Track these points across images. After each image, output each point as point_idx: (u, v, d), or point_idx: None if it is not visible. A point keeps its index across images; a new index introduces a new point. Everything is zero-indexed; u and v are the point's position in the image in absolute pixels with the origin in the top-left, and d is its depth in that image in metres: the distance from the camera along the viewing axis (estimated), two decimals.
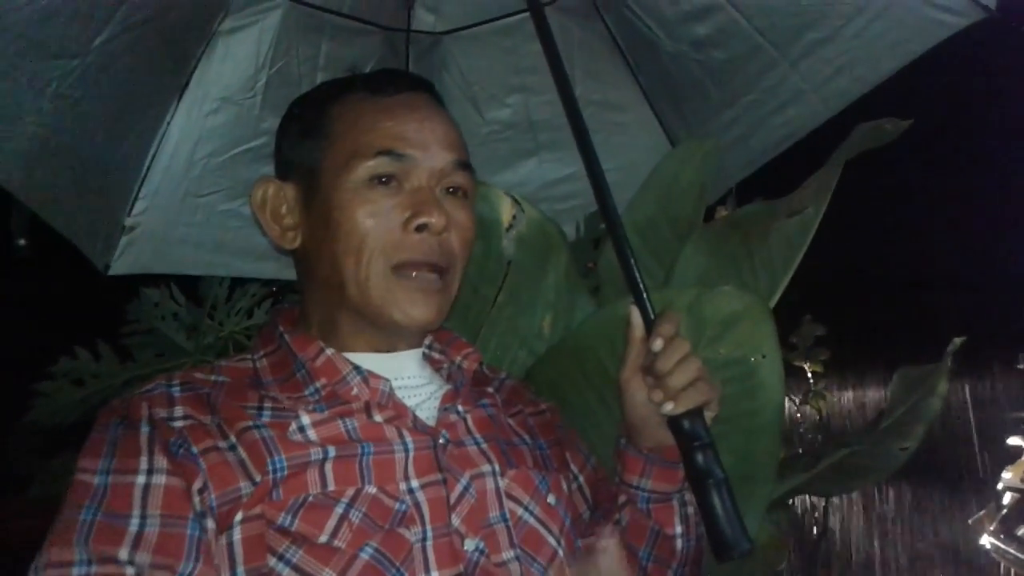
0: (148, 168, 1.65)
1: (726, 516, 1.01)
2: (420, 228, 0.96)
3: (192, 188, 1.72)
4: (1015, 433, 5.71)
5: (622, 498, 1.14)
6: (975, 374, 8.58)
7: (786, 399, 3.28)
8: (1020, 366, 6.97)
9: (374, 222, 0.95)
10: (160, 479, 0.85)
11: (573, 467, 1.14)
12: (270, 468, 0.87)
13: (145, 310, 2.33)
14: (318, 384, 0.96)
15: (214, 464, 0.86)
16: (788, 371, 3.08)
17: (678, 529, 1.13)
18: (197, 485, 0.85)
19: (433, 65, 1.88)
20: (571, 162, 1.98)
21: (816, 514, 3.23)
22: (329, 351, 0.98)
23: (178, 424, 0.88)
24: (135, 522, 0.82)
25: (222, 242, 1.78)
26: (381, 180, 0.95)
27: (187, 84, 1.63)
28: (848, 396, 7.53)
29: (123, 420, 0.89)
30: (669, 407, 1.02)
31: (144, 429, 0.87)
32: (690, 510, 1.13)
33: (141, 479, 0.84)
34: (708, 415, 1.06)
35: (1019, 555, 5.14)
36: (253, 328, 2.37)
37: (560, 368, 1.48)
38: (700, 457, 1.02)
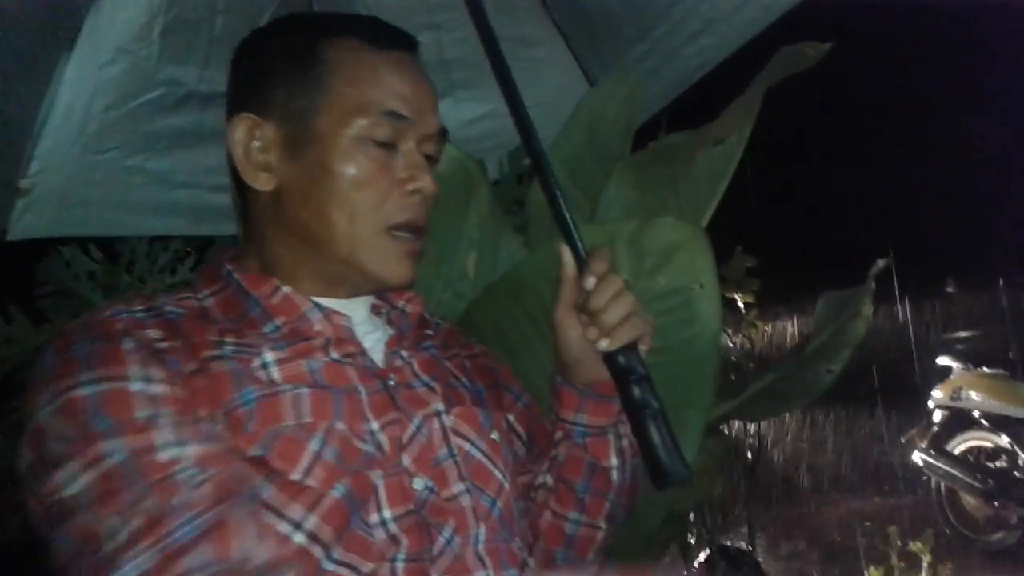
0: (40, 127, 1.56)
1: (663, 446, 1.01)
2: (415, 192, 0.95)
3: (91, 145, 1.64)
4: (944, 354, 5.92)
5: (558, 434, 1.14)
6: (906, 298, 8.86)
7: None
8: (949, 289, 7.21)
9: (372, 181, 0.93)
10: (159, 389, 0.81)
11: (506, 406, 1.14)
12: (240, 401, 0.84)
13: (56, 270, 2.24)
14: (277, 322, 0.93)
15: (196, 387, 0.83)
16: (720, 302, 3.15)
17: (614, 461, 1.13)
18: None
19: (339, 6, 1.80)
20: (488, 100, 1.94)
21: (750, 440, 3.31)
22: (286, 288, 0.95)
23: (160, 345, 0.84)
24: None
25: (127, 200, 1.72)
26: (381, 140, 0.93)
27: (77, 36, 1.54)
28: (780, 326, 7.71)
29: (93, 338, 0.83)
30: (604, 343, 1.02)
31: (126, 343, 0.82)
32: (624, 442, 1.14)
33: (137, 386, 0.80)
34: (642, 348, 1.06)
35: (949, 469, 5.37)
36: (180, 285, 2.30)
37: (501, 306, 1.46)
38: (636, 390, 1.03)
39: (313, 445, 0.85)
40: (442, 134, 1.01)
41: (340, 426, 0.88)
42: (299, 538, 0.82)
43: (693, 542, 2.97)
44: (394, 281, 0.97)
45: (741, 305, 3.12)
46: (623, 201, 1.65)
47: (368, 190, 0.93)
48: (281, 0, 1.73)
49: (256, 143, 0.96)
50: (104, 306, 0.89)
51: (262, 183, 0.96)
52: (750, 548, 3.34)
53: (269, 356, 0.89)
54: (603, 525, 1.15)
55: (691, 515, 2.88)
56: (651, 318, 1.07)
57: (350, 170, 0.93)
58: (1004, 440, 5.17)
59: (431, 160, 1.00)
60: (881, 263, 1.71)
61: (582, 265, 1.05)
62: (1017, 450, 5.07)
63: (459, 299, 1.65)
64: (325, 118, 0.93)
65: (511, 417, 1.14)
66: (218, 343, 0.89)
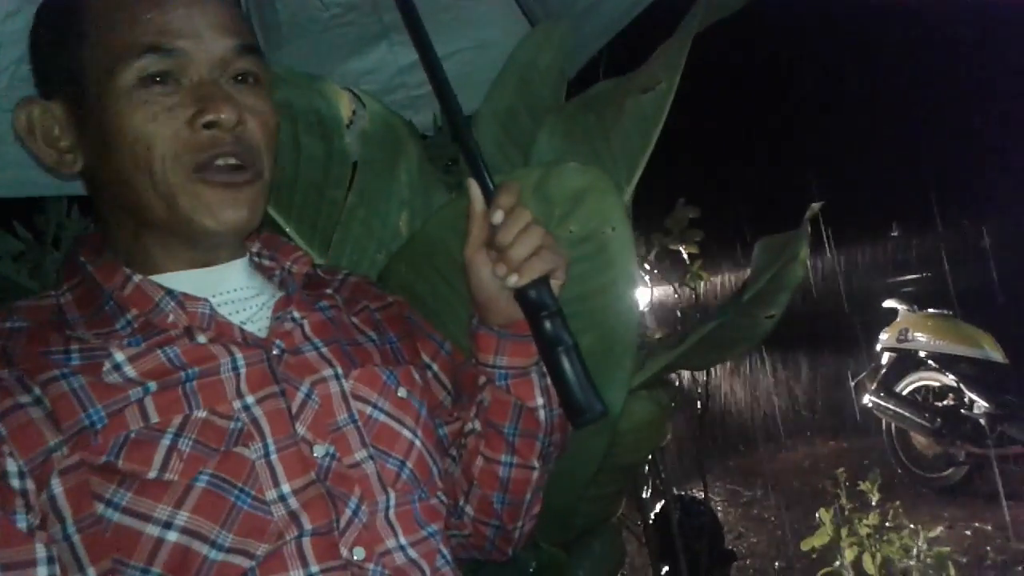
0: None
1: (577, 381, 1.01)
2: (209, 125, 0.87)
3: (2, 101, 1.54)
4: (890, 297, 6.02)
5: (481, 379, 1.13)
6: (852, 243, 8.99)
7: (666, 284, 3.34)
8: (894, 233, 7.33)
9: (155, 126, 0.85)
10: None
11: (425, 356, 1.12)
12: (86, 422, 0.80)
13: None
14: (129, 316, 0.88)
15: (16, 426, 0.78)
16: (665, 255, 3.14)
17: (539, 401, 1.12)
18: (5, 450, 0.77)
19: None
20: None
21: (699, 389, 3.33)
22: (137, 277, 0.90)
23: None
24: None
25: None
26: (154, 80, 0.85)
27: None
28: (727, 277, 7.78)
29: None
30: (514, 279, 1.01)
31: None
32: (549, 380, 1.12)
33: None
34: (555, 283, 1.04)
35: (898, 410, 5.50)
36: None
37: (412, 266, 1.42)
38: (548, 325, 1.02)
39: (166, 440, 0.81)
40: (245, 50, 0.91)
41: (199, 414, 0.84)
42: (172, 536, 0.79)
43: (648, 495, 2.99)
44: (221, 227, 0.89)
45: (685, 256, 3.12)
46: (554, 152, 1.61)
47: (154, 139, 0.85)
48: None
49: (52, 126, 0.90)
50: None
51: (68, 165, 0.91)
52: (704, 496, 3.37)
53: (120, 356, 0.84)
54: (536, 465, 1.14)
55: (645, 468, 2.90)
56: (565, 251, 1.05)
57: (128, 123, 0.85)
58: (950, 379, 5.30)
59: (247, 79, 0.92)
60: (816, 206, 1.70)
61: (491, 201, 1.03)
62: (963, 388, 5.19)
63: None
64: (93, 77, 0.86)
65: (435, 366, 1.12)
66: (63, 354, 0.83)
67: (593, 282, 1.37)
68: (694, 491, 3.94)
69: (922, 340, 5.51)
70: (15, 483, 0.77)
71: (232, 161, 0.89)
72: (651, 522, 2.88)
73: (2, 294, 2.23)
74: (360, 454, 0.92)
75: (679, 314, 3.33)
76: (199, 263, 0.94)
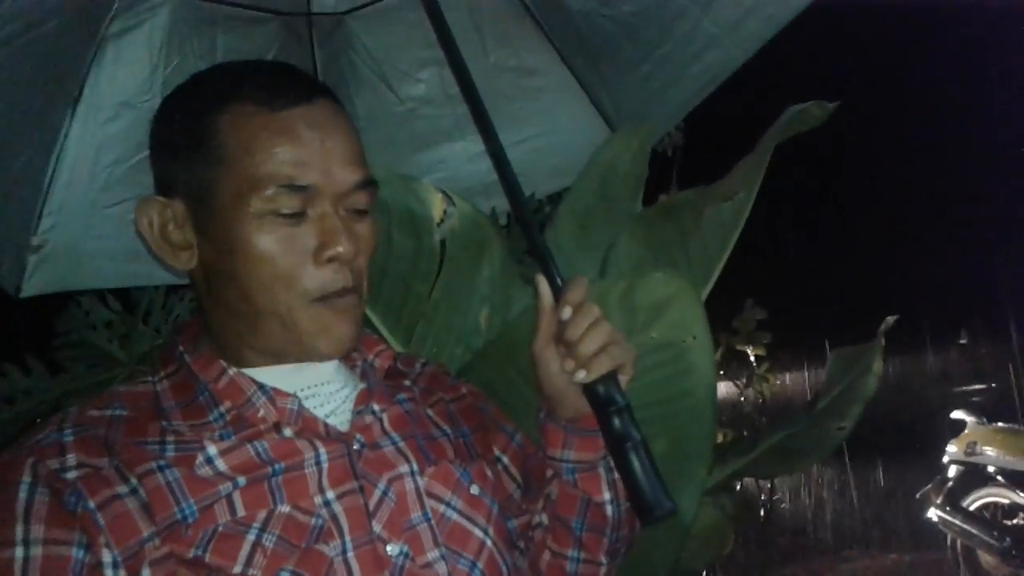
0: (49, 184, 1.58)
1: (646, 477, 1.00)
2: (331, 260, 0.91)
3: (99, 199, 1.66)
4: (958, 407, 5.86)
5: (549, 472, 1.13)
6: (919, 351, 8.80)
7: (731, 383, 3.32)
8: (962, 341, 7.15)
9: (281, 255, 0.89)
10: (37, 551, 0.78)
11: (496, 449, 1.12)
12: (179, 516, 0.82)
13: (75, 320, 2.26)
14: (223, 408, 0.91)
15: (114, 516, 0.81)
16: (731, 355, 3.13)
17: (606, 496, 1.11)
18: (102, 540, 0.79)
19: (338, 47, 1.83)
20: (498, 131, 1.95)
21: (763, 496, 3.26)
22: (232, 371, 0.93)
23: (71, 475, 0.82)
24: None
25: (138, 251, 1.70)
26: (285, 213, 0.89)
27: (80, 93, 1.56)
28: (791, 378, 7.66)
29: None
30: (582, 375, 1.01)
31: (22, 493, 0.80)
32: (617, 475, 1.11)
33: (19, 552, 0.78)
34: (623, 379, 1.05)
35: (964, 526, 5.28)
36: None
37: (494, 366, 1.46)
38: (617, 421, 1.01)
39: (251, 535, 0.83)
40: (366, 184, 0.94)
41: (283, 508, 0.85)
42: None
43: None
44: (335, 349, 0.93)
45: (752, 358, 3.10)
46: (632, 258, 1.65)
47: (278, 266, 0.88)
48: (280, 45, 1.75)
49: (171, 223, 0.93)
50: (40, 427, 0.87)
51: (185, 262, 0.94)
52: None
53: (212, 450, 0.87)
54: (604, 561, 1.13)
55: (704, 574, 2.84)
56: (631, 347, 1.05)
57: (256, 247, 0.88)
58: (1021, 497, 5.09)
59: (360, 213, 0.95)
60: (891, 319, 1.70)
61: (559, 296, 1.04)
62: None
63: (472, 354, 1.64)
64: (225, 194, 0.89)
65: (505, 459, 1.12)
66: (159, 445, 0.86)
67: (672, 388, 1.40)
68: None
69: (991, 455, 5.32)
70: (109, 573, 0.79)
71: (347, 291, 0.93)
72: None
73: (92, 360, 2.33)
74: (432, 554, 0.92)
75: (746, 413, 3.29)
76: (290, 361, 0.96)
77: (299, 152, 0.89)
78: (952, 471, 5.59)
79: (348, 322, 0.93)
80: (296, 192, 0.88)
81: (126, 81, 1.60)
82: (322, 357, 0.94)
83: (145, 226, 0.94)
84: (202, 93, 0.94)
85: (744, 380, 3.14)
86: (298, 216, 0.89)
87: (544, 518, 1.14)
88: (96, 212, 1.66)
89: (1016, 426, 5.35)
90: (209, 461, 0.86)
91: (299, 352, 0.93)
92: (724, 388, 3.37)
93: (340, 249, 0.90)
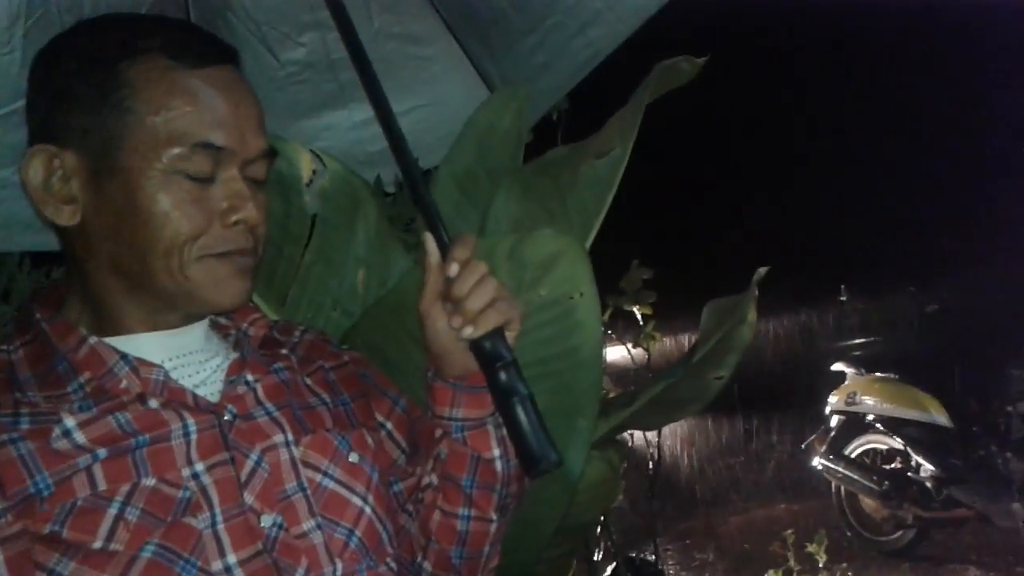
0: None
1: (532, 431, 1.01)
2: (236, 223, 0.90)
3: None
4: (838, 360, 6.12)
5: (438, 431, 1.13)
6: (801, 308, 9.16)
7: (620, 343, 3.38)
8: (842, 298, 7.46)
9: (187, 214, 0.87)
10: None
11: (379, 415, 1.11)
12: (32, 490, 0.79)
13: None
14: (82, 379, 0.87)
15: None
16: (619, 315, 3.18)
17: (496, 452, 1.13)
18: None
19: (215, 6, 1.73)
20: None
21: (651, 449, 3.35)
22: (92, 339, 0.89)
23: None
24: None
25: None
26: (195, 174, 0.87)
27: None
28: (680, 338, 7.86)
29: None
30: (468, 331, 1.02)
31: None
32: (505, 431, 1.12)
33: None
34: (510, 335, 1.05)
35: (847, 472, 5.55)
36: None
37: (381, 328, 1.44)
38: (503, 376, 1.02)
39: (113, 509, 0.80)
40: (268, 154, 0.94)
41: (148, 481, 0.83)
42: None
43: (600, 557, 2.98)
44: (228, 303, 0.92)
45: (639, 317, 3.16)
46: (510, 214, 1.65)
47: (182, 226, 0.87)
48: (154, 0, 1.67)
49: (57, 174, 0.88)
50: None
51: (66, 217, 0.89)
52: (655, 559, 3.37)
53: (70, 422, 0.84)
54: (494, 517, 1.14)
55: (597, 530, 2.89)
56: (517, 302, 1.07)
57: (160, 206, 0.86)
58: (897, 442, 5.37)
59: (258, 184, 0.94)
60: (762, 270, 1.75)
61: (446, 254, 1.05)
62: (910, 451, 5.26)
63: (349, 317, 1.62)
64: (130, 150, 0.86)
65: (389, 424, 1.12)
66: (12, 418, 0.82)
67: (560, 345, 1.40)
68: (645, 553, 3.92)
69: (870, 403, 5.59)
70: None
71: (244, 251, 0.92)
72: None
73: None
74: (308, 524, 0.91)
75: (632, 372, 3.36)
76: (172, 323, 0.94)
77: (215, 113, 0.87)
78: (834, 421, 5.86)
79: (244, 277, 0.92)
80: (209, 153, 0.87)
81: None
82: (215, 310, 0.93)
83: (29, 175, 0.88)
84: (107, 41, 0.89)
85: (631, 339, 3.19)
86: (206, 179, 0.88)
87: (434, 479, 1.14)
88: None
89: (892, 375, 5.63)
90: (67, 434, 0.82)
91: (189, 306, 0.91)
92: (613, 350, 3.42)
93: (248, 213, 0.89)
